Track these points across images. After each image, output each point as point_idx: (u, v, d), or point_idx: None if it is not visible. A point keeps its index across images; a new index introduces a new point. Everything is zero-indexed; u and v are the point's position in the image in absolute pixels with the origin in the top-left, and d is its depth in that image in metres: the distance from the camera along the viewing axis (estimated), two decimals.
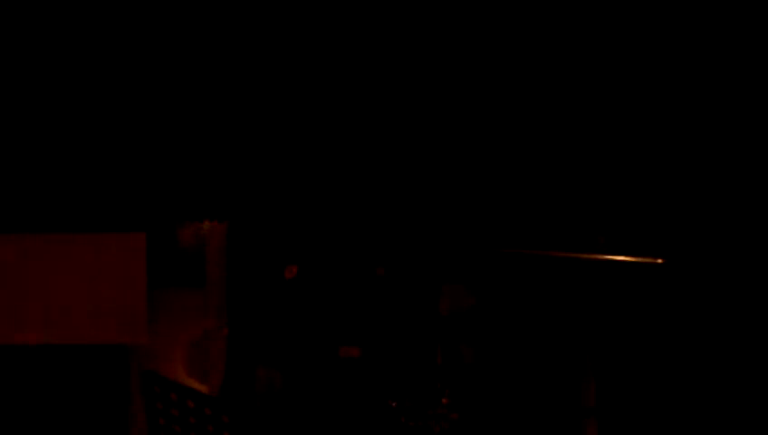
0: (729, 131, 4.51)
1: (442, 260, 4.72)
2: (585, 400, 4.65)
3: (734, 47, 4.47)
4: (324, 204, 4.71)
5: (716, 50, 4.48)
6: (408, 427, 4.56)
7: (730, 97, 4.49)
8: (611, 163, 4.61)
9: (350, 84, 4.66)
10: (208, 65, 4.64)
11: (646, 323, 4.53)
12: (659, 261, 4.41)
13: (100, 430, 4.77)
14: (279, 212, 4.74)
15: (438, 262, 4.73)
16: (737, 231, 4.46)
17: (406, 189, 4.69)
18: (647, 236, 4.52)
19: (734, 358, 4.41)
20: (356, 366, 4.68)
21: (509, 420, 4.65)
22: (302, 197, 4.71)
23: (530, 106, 4.65)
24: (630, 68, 4.56)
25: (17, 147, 4.65)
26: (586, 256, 4.50)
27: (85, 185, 4.68)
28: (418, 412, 4.57)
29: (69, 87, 4.62)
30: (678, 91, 4.55)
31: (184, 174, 4.72)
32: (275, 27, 4.61)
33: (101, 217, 4.69)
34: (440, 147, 4.69)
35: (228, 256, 4.80)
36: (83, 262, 4.67)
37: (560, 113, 4.65)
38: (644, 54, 4.55)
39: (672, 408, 4.46)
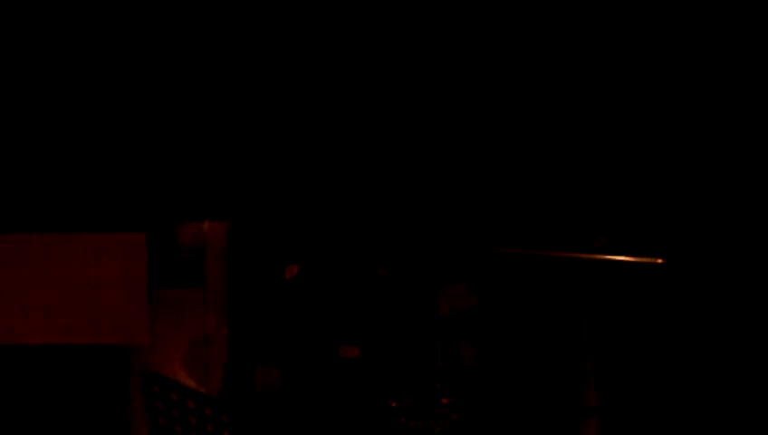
0: (729, 131, 4.51)
1: (442, 260, 4.73)
2: (585, 400, 4.65)
3: (734, 47, 4.47)
4: (324, 204, 4.71)
5: (716, 50, 4.49)
6: (408, 427, 4.56)
7: (730, 97, 4.50)
8: (611, 163, 4.62)
9: (350, 84, 4.66)
10: (208, 65, 4.64)
11: (646, 323, 4.53)
12: (659, 261, 4.41)
13: (100, 430, 4.77)
14: (279, 212, 4.74)
15: (438, 262, 4.73)
16: (737, 231, 4.46)
17: (406, 189, 4.70)
18: (647, 236, 4.52)
19: (734, 358, 4.41)
20: (356, 366, 4.68)
21: (509, 420, 4.65)
22: (303, 196, 4.72)
23: (530, 106, 4.65)
24: (630, 68, 4.57)
25: (17, 147, 4.65)
26: (586, 256, 4.51)
27: (85, 185, 4.68)
28: (418, 412, 4.57)
29: (69, 87, 4.62)
30: (678, 91, 4.55)
31: (184, 174, 4.72)
32: (275, 27, 4.61)
33: (101, 217, 4.69)
34: (440, 147, 4.69)
35: (228, 256, 4.80)
36: (83, 262, 4.67)
37: (560, 113, 4.65)
38: (644, 54, 4.55)
39: (672, 408, 4.46)
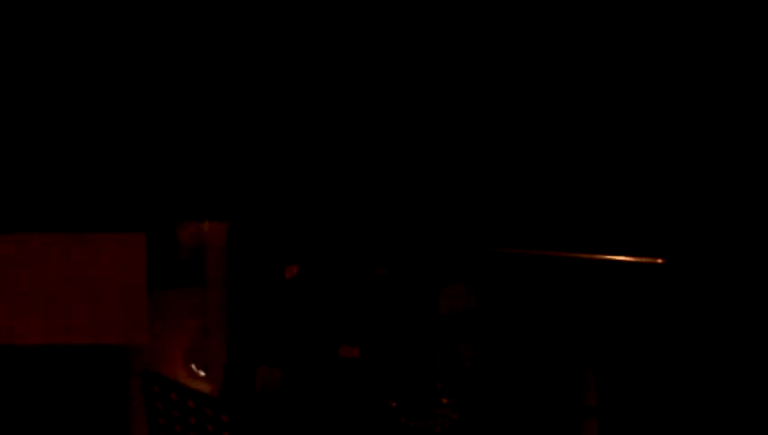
0: (729, 131, 4.51)
1: (442, 260, 4.72)
2: (585, 400, 4.65)
3: (734, 47, 4.47)
4: (324, 204, 4.71)
5: (716, 50, 4.49)
6: (408, 427, 4.56)
7: (730, 97, 4.50)
8: (611, 163, 4.62)
9: (350, 84, 4.66)
10: (208, 65, 4.64)
11: (646, 323, 4.53)
12: (659, 261, 4.41)
13: (100, 430, 4.77)
14: (279, 212, 4.74)
15: (438, 262, 4.73)
16: (737, 231, 4.46)
17: (406, 189, 4.70)
18: (647, 236, 4.52)
19: (734, 358, 4.41)
20: (356, 366, 4.68)
21: (509, 420, 4.65)
22: (302, 197, 4.72)
23: (530, 106, 4.65)
24: (630, 68, 4.57)
25: (17, 147, 4.65)
26: (586, 256, 4.51)
27: (84, 185, 4.68)
28: (418, 412, 4.57)
29: (69, 87, 4.62)
30: (678, 91, 4.55)
31: (184, 174, 4.72)
32: (275, 27, 4.61)
33: (101, 217, 4.69)
34: (440, 147, 4.69)
35: (228, 256, 4.80)
36: (83, 262, 4.67)
37: (559, 113, 4.65)
38: (644, 54, 4.55)
39: (672, 408, 4.46)
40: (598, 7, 4.55)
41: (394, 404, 4.59)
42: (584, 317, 4.66)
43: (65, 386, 4.74)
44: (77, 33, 4.57)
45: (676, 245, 4.46)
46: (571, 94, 4.62)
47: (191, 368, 4.88)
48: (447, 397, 4.60)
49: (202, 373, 4.87)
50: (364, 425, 4.62)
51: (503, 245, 4.63)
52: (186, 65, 4.63)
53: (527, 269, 4.64)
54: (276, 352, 4.71)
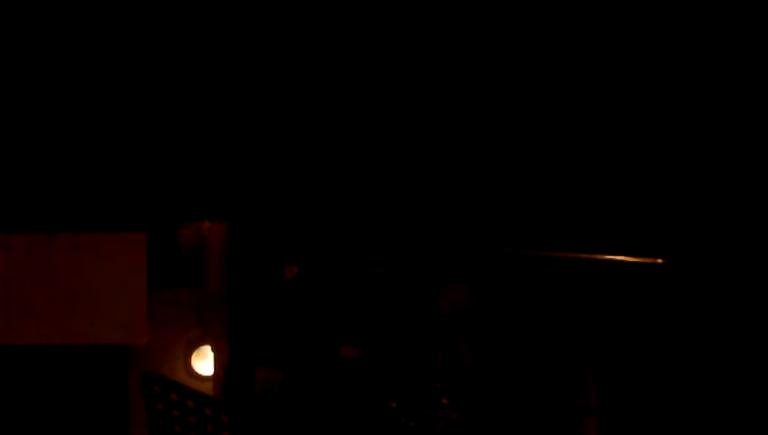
0: (729, 132, 4.51)
1: (442, 260, 4.72)
2: (585, 400, 4.65)
3: (734, 47, 4.47)
4: (324, 204, 4.71)
5: (716, 50, 4.48)
6: (408, 427, 4.56)
7: (730, 97, 4.50)
8: (611, 163, 4.62)
9: (349, 84, 4.66)
10: (208, 65, 4.64)
11: (646, 323, 4.53)
12: (659, 261, 4.41)
13: (100, 431, 4.77)
14: (279, 212, 4.74)
15: (438, 262, 4.73)
16: (737, 231, 4.46)
17: (406, 189, 4.70)
18: (647, 236, 4.52)
19: (733, 358, 4.41)
20: (356, 366, 4.68)
21: (509, 419, 4.65)
22: (302, 197, 4.72)
23: (530, 106, 4.65)
24: (630, 68, 4.57)
25: (18, 147, 4.66)
26: (586, 256, 4.50)
27: (85, 185, 4.68)
28: (418, 412, 4.57)
29: (69, 87, 4.62)
30: (678, 92, 4.55)
31: (184, 174, 4.72)
32: (275, 27, 4.61)
33: (101, 217, 4.69)
34: (440, 147, 4.69)
35: (228, 256, 4.80)
36: (83, 262, 4.67)
37: (560, 114, 4.65)
38: (644, 54, 4.55)
39: (672, 408, 4.46)
40: (598, 7, 4.55)
41: (394, 404, 4.59)
42: (584, 317, 4.66)
43: (65, 386, 4.75)
44: (77, 34, 4.58)
45: (676, 245, 4.46)
46: (571, 95, 4.62)
47: (191, 368, 4.88)
48: (447, 397, 4.60)
49: (202, 373, 4.88)
50: (364, 425, 4.62)
51: (503, 245, 4.63)
52: (186, 65, 4.63)
53: (527, 269, 4.64)
54: (276, 352, 4.71)
